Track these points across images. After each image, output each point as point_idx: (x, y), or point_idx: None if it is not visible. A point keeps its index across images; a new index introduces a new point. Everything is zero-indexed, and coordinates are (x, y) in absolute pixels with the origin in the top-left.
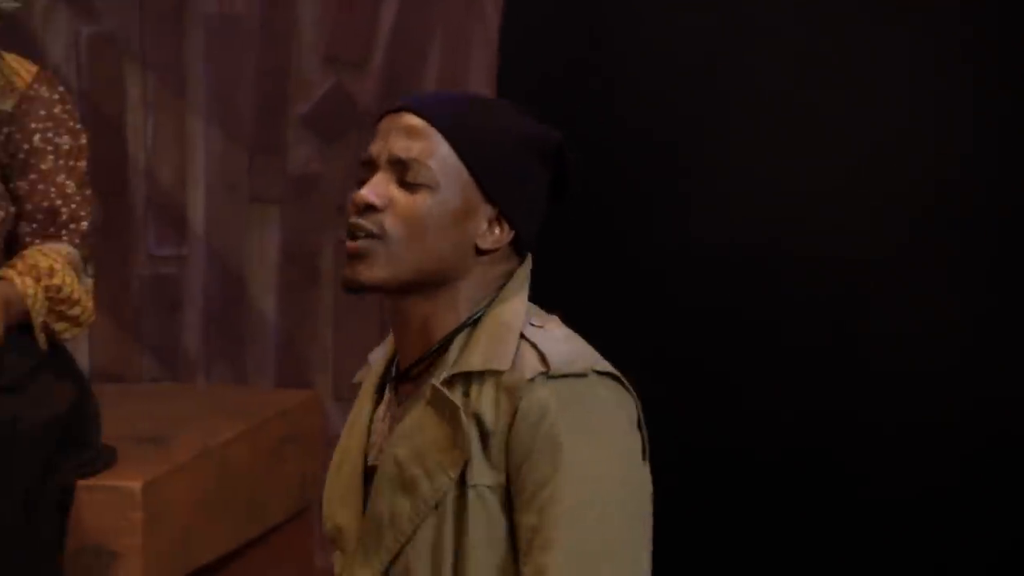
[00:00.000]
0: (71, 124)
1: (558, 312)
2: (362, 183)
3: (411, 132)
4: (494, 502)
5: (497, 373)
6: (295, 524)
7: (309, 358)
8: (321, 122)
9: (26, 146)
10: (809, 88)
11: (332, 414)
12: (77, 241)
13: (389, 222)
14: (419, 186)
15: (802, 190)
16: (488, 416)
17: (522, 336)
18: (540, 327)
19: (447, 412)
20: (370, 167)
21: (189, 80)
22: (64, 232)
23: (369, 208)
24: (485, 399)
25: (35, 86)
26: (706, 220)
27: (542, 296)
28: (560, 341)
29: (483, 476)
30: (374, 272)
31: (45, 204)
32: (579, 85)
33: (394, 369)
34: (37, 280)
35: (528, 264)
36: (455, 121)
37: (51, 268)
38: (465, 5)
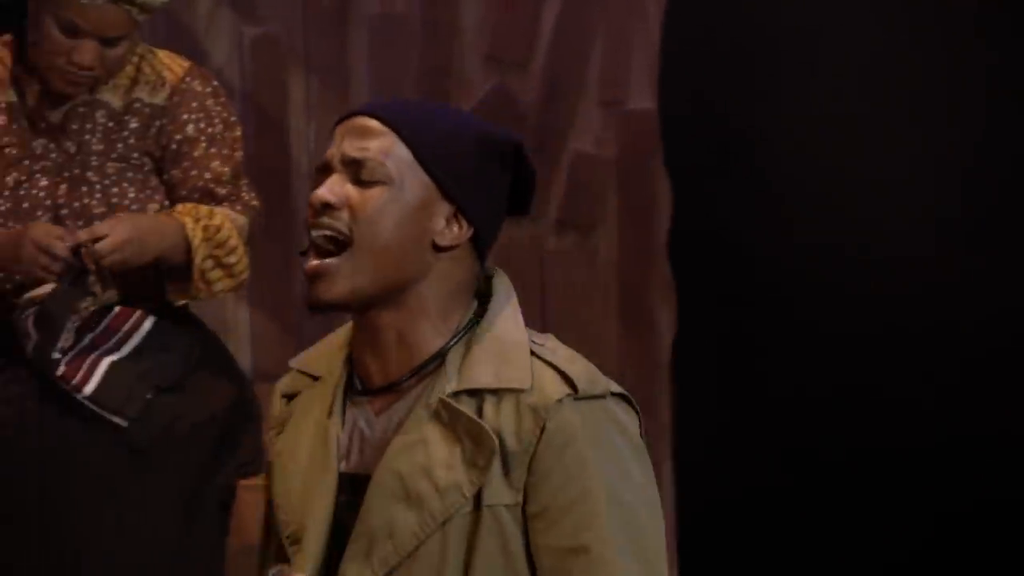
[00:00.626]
0: (225, 115)
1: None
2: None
3: (365, 132)
4: (510, 521)
5: (516, 391)
6: None
7: None
8: None
9: (178, 136)
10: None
11: None
12: (239, 208)
13: (347, 221)
14: (374, 183)
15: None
16: (509, 435)
17: (532, 354)
18: (543, 344)
19: (461, 428)
20: (325, 171)
21: (352, 81)
22: (225, 204)
23: (326, 207)
24: (505, 418)
25: (187, 80)
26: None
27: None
28: (572, 361)
29: (501, 496)
30: (335, 289)
31: (200, 184)
32: (740, 85)
33: (356, 380)
34: (196, 220)
35: (507, 281)
36: (410, 121)
37: (211, 212)
38: (627, 5)
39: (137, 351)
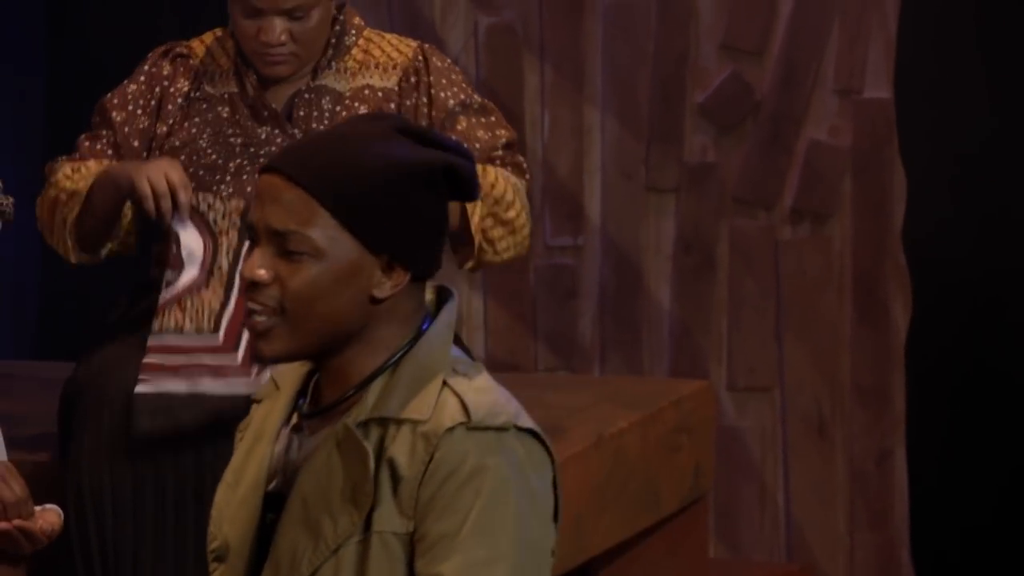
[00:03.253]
0: (469, 91)
1: None
2: (252, 242)
3: (285, 200)
4: (399, 549)
5: (416, 421)
6: (688, 514)
7: (704, 348)
8: (718, 111)
9: (438, 114)
10: None
11: (726, 404)
12: (510, 170)
13: (279, 296)
14: (301, 255)
15: None
16: (402, 462)
17: (445, 384)
18: (464, 375)
19: (356, 455)
20: (253, 231)
21: (586, 69)
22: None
23: (256, 284)
24: (400, 444)
25: (419, 59)
26: None
27: None
28: (484, 392)
29: (391, 522)
30: (275, 348)
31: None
32: (979, 76)
33: (306, 401)
34: None
35: (452, 309)
36: (327, 181)
37: (483, 169)
38: None
39: None
